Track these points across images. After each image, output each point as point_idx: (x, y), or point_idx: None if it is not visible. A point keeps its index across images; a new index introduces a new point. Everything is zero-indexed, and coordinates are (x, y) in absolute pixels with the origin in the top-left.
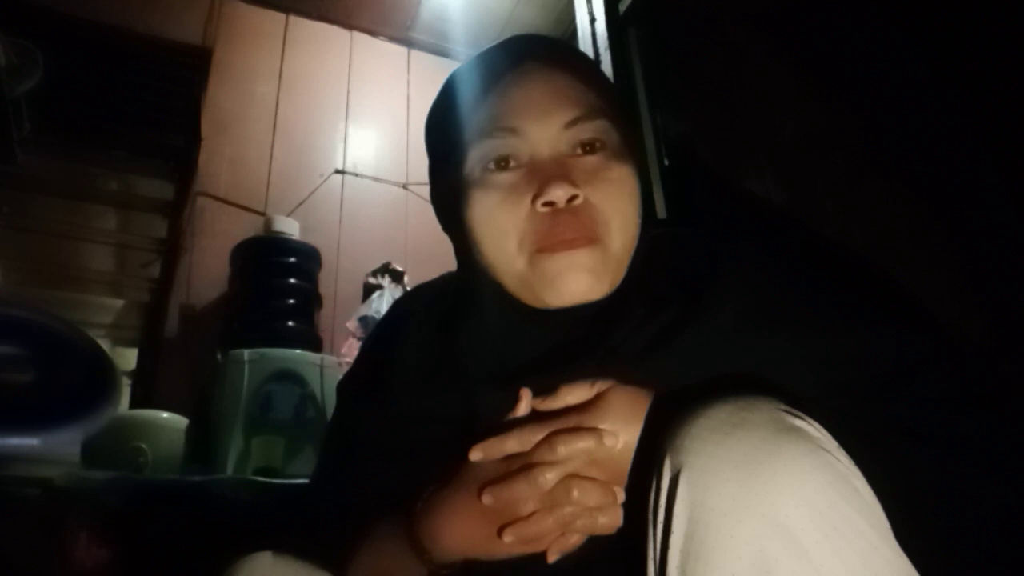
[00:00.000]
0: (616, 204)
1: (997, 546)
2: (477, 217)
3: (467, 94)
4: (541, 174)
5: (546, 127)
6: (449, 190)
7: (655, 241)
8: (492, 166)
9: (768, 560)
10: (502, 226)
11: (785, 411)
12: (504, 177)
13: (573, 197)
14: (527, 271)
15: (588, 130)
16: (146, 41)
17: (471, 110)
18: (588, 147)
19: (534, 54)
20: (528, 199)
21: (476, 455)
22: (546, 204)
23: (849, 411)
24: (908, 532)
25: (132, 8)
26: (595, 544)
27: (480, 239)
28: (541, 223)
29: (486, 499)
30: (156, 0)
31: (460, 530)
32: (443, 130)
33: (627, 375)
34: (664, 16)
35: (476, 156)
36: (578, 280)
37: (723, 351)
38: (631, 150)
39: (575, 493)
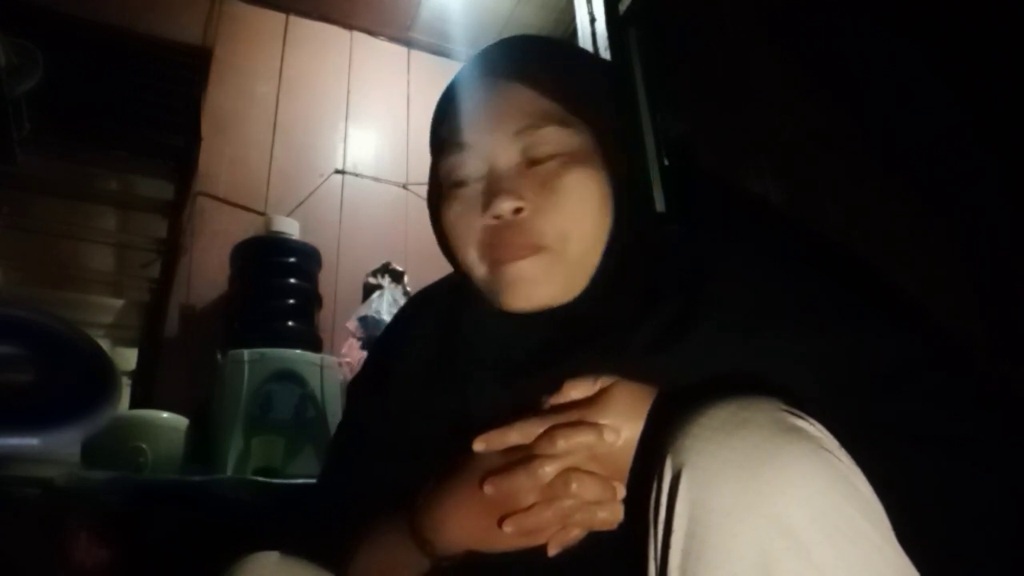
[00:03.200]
0: (568, 211)
1: (998, 546)
2: (445, 227)
3: (440, 107)
4: (490, 187)
5: (495, 139)
6: (432, 194)
7: (655, 239)
8: (455, 179)
9: (769, 560)
10: (462, 237)
11: (786, 411)
12: (462, 191)
13: (518, 209)
14: (488, 278)
15: (537, 139)
16: (146, 41)
17: (439, 124)
18: (541, 156)
19: (492, 66)
20: (480, 211)
21: (479, 446)
22: (495, 216)
23: (849, 411)
24: (909, 532)
25: (132, 8)
26: (596, 541)
27: (451, 247)
28: (492, 235)
29: (487, 489)
30: (156, 0)
31: (462, 521)
32: (431, 138)
33: (630, 372)
34: (664, 16)
35: (442, 171)
36: (528, 288)
37: (723, 350)
38: (597, 153)
39: (574, 486)
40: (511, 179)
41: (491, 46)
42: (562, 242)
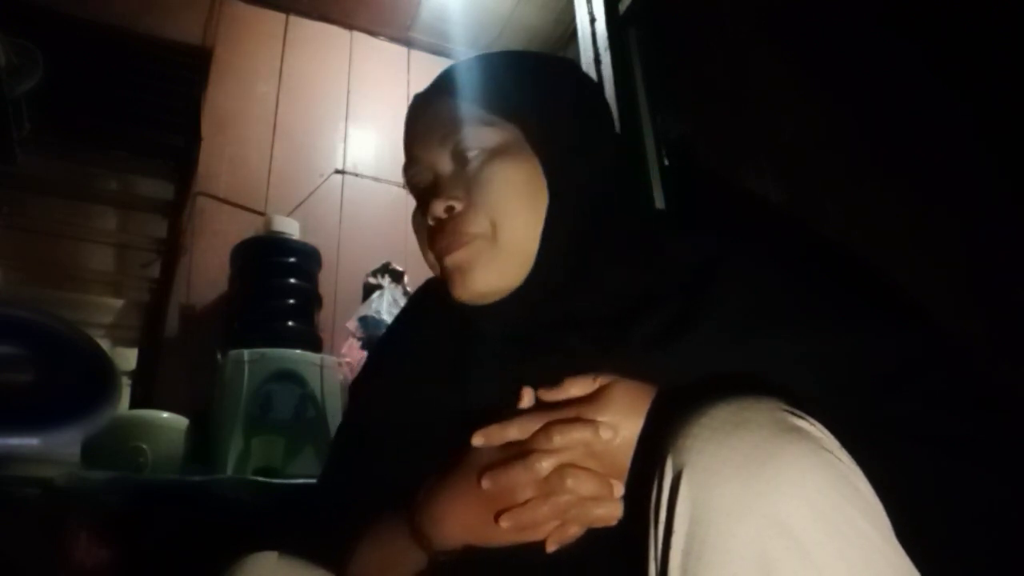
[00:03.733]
0: (493, 201)
1: (998, 546)
2: (414, 230)
3: (407, 126)
4: (428, 193)
5: (427, 149)
6: None
7: (651, 235)
8: (412, 189)
9: (769, 560)
10: (420, 241)
11: (787, 411)
12: (419, 199)
13: (450, 208)
14: (441, 277)
15: (458, 141)
16: (146, 41)
17: (405, 140)
18: (470, 156)
19: (427, 89)
20: (426, 216)
21: (478, 440)
22: (433, 219)
23: (849, 411)
24: (910, 532)
25: (132, 8)
26: (594, 539)
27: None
28: (434, 234)
29: (485, 483)
30: (156, 0)
31: (459, 515)
32: None
33: (630, 370)
34: (664, 16)
35: (405, 180)
36: (464, 276)
37: (724, 350)
38: (526, 143)
39: (569, 481)
40: (445, 182)
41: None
42: (492, 229)
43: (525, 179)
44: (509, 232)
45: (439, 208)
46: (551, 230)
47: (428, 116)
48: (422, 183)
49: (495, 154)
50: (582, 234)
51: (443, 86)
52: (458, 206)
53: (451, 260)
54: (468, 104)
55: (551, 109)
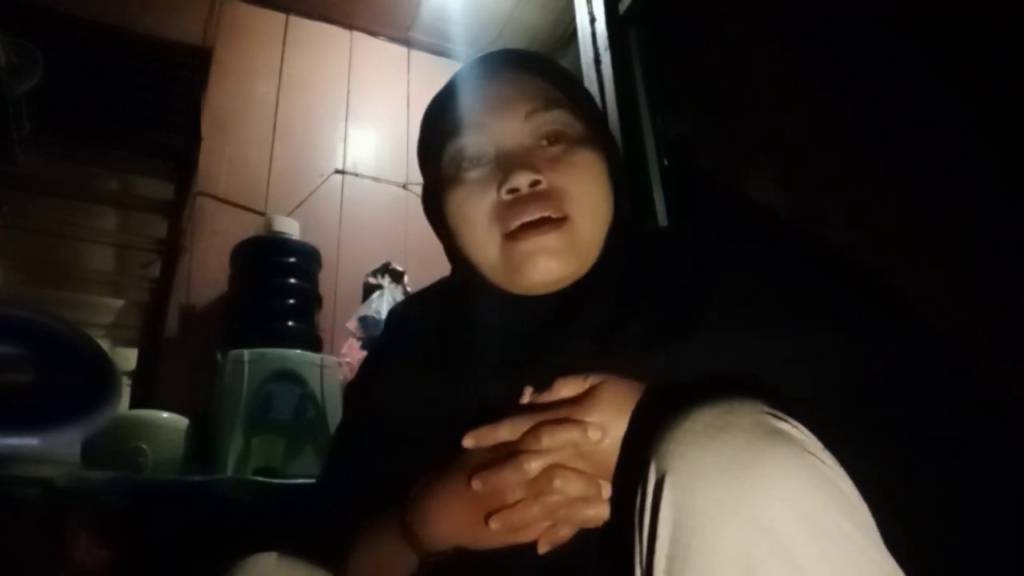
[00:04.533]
0: (581, 187)
1: (996, 546)
2: (451, 211)
3: (440, 103)
4: (505, 165)
5: (507, 120)
6: (431, 188)
7: (648, 236)
8: (463, 163)
9: (754, 563)
10: (472, 216)
11: (770, 414)
12: (473, 172)
13: (535, 182)
14: (498, 258)
15: (548, 120)
16: (146, 41)
17: (443, 115)
18: (552, 137)
19: (495, 60)
20: (494, 189)
21: (469, 442)
22: (510, 191)
23: (848, 411)
24: (909, 532)
25: (132, 8)
26: (582, 540)
27: (456, 232)
28: (506, 209)
29: (475, 484)
30: (156, 0)
31: (450, 516)
32: (425, 134)
33: (625, 370)
34: (664, 16)
35: (448, 155)
36: (546, 262)
37: (722, 349)
38: (598, 140)
39: (557, 482)
40: (527, 156)
41: (482, 55)
42: (578, 215)
43: (604, 172)
44: (589, 221)
45: (525, 180)
46: (616, 230)
47: (509, 88)
48: (480, 156)
49: (580, 141)
50: (621, 240)
51: (519, 63)
52: (543, 183)
53: (534, 242)
54: (553, 86)
55: (601, 113)
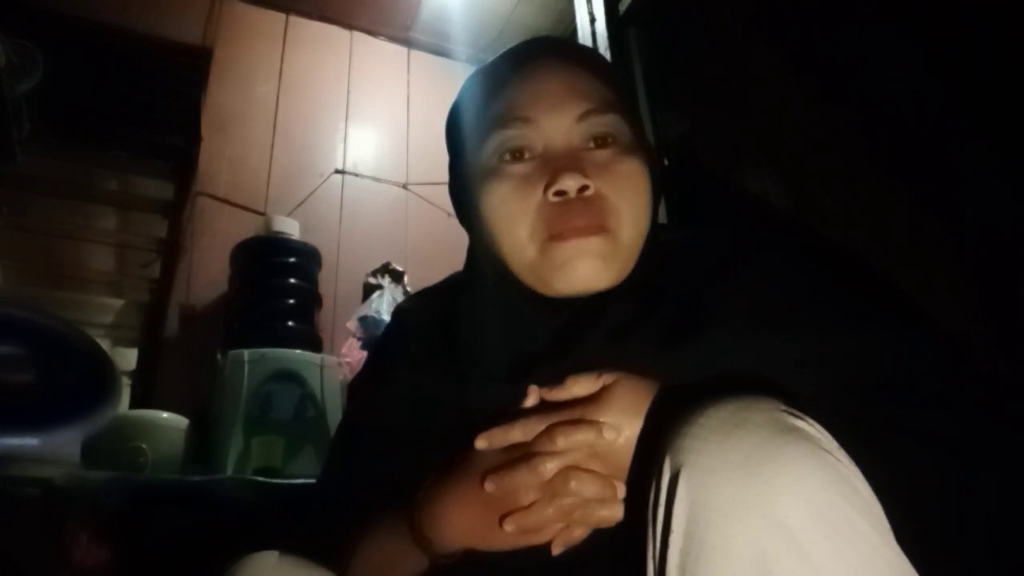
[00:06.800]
0: (627, 196)
1: (999, 547)
2: (490, 205)
3: (486, 88)
4: (553, 164)
5: (559, 118)
6: (466, 180)
7: (665, 242)
8: (507, 156)
9: (768, 560)
10: (514, 214)
11: (785, 411)
12: (518, 167)
13: (584, 187)
14: (537, 258)
15: (601, 123)
16: (146, 41)
17: (489, 102)
18: (600, 140)
19: (550, 50)
20: (540, 188)
21: (481, 443)
22: (558, 193)
23: (851, 412)
24: (910, 533)
25: (132, 8)
26: (595, 540)
27: (492, 227)
28: (552, 212)
29: (488, 486)
30: (156, 0)
31: (462, 518)
32: (462, 122)
33: (635, 370)
34: (664, 16)
35: (492, 146)
36: (588, 266)
37: (729, 350)
38: (643, 146)
39: (573, 484)
40: (578, 159)
41: (534, 39)
42: (620, 226)
43: (649, 182)
44: (632, 231)
45: (574, 184)
46: (652, 239)
47: (565, 85)
48: (528, 148)
49: (630, 149)
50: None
51: (576, 58)
52: (592, 188)
53: (577, 246)
54: (609, 89)
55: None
